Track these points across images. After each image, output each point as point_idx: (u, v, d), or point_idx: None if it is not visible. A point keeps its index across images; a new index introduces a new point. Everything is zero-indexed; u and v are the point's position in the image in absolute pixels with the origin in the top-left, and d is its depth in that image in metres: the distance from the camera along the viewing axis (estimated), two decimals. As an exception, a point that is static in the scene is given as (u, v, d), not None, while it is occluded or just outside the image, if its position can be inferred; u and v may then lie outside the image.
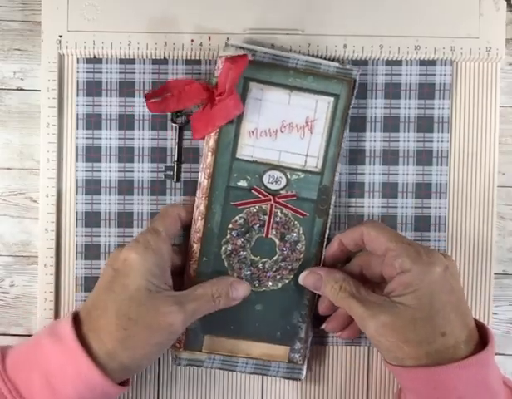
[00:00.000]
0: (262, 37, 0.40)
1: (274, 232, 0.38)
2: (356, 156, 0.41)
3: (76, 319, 0.34)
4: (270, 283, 0.38)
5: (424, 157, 0.41)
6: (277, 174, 0.38)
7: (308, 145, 0.38)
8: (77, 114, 0.41)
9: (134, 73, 0.41)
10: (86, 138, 0.41)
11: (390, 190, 0.41)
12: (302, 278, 0.38)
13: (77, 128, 0.41)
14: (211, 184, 0.37)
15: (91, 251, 0.41)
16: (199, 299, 0.35)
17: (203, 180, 0.37)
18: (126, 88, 0.41)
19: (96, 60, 0.41)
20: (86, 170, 0.41)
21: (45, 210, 0.41)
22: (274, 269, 0.38)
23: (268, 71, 0.37)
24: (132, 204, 0.41)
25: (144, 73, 0.41)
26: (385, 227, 0.36)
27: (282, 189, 0.38)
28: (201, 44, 0.40)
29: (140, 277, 0.33)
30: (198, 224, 0.37)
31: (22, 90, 0.42)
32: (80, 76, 0.41)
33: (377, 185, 0.41)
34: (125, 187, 0.41)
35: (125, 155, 0.41)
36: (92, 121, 0.41)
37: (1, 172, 0.42)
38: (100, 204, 0.41)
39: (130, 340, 0.32)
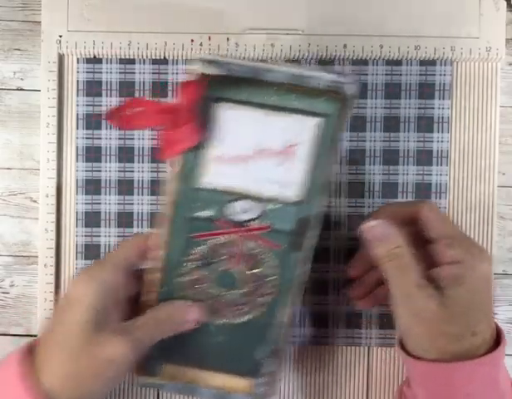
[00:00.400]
0: (262, 37, 0.40)
1: (242, 264, 0.35)
2: (356, 156, 0.41)
3: (31, 349, 0.32)
4: (234, 316, 0.36)
5: (424, 157, 0.41)
6: (247, 203, 0.34)
7: (287, 172, 0.33)
8: (77, 114, 0.41)
9: (134, 73, 0.41)
10: (86, 138, 0.41)
11: (390, 190, 0.41)
12: (368, 227, 0.34)
13: (77, 128, 0.41)
14: (172, 212, 0.34)
15: (91, 251, 0.41)
16: (147, 325, 0.33)
17: (164, 208, 0.34)
18: (126, 88, 0.41)
19: (96, 60, 0.41)
20: (86, 170, 0.41)
21: (45, 210, 0.41)
22: (239, 303, 0.35)
23: (243, 88, 0.32)
24: (132, 204, 0.41)
25: (144, 73, 0.41)
26: (443, 212, 0.35)
27: (253, 219, 0.34)
28: (201, 44, 0.40)
29: (84, 311, 0.32)
30: (157, 253, 0.35)
31: (22, 90, 0.42)
32: (80, 76, 0.41)
33: (377, 185, 0.41)
34: (125, 187, 0.41)
35: (125, 155, 0.41)
36: (92, 121, 0.41)
37: (1, 172, 0.42)
38: (100, 204, 0.41)
39: (75, 375, 0.31)
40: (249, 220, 0.34)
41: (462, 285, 0.31)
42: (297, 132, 0.32)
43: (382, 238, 0.33)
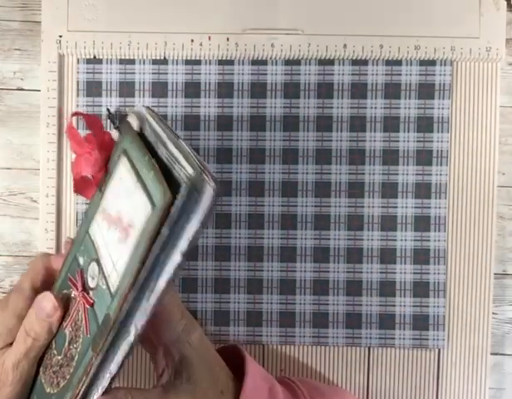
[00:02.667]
0: (262, 37, 0.40)
1: (70, 329, 0.30)
2: (356, 156, 0.41)
3: None
4: (47, 381, 0.31)
5: (424, 157, 0.41)
6: (96, 269, 0.29)
7: (121, 253, 0.26)
8: (77, 114, 0.41)
9: (134, 73, 0.41)
10: (86, 138, 0.41)
11: (390, 190, 0.41)
12: None
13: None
14: (72, 245, 0.32)
15: (91, 251, 0.41)
16: (16, 343, 0.31)
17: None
18: (126, 88, 0.41)
19: (96, 60, 0.41)
20: (86, 170, 0.41)
21: (45, 210, 0.41)
22: (55, 370, 0.30)
23: (138, 149, 0.27)
24: (132, 204, 0.41)
25: (144, 73, 0.41)
26: None
27: (93, 288, 0.29)
28: (201, 44, 0.40)
29: None
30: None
31: (22, 90, 0.42)
32: (80, 76, 0.41)
33: (377, 185, 0.41)
34: (125, 187, 0.41)
35: (125, 155, 0.41)
36: (92, 121, 0.41)
37: (1, 172, 0.42)
38: (100, 204, 0.41)
39: None
40: (93, 288, 0.29)
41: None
42: (136, 214, 0.26)
43: None
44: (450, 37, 0.40)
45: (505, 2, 0.41)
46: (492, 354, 0.42)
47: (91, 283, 0.29)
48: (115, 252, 0.27)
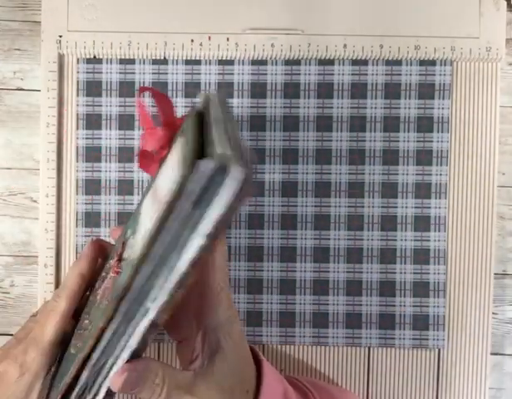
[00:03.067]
0: (262, 37, 0.40)
1: (99, 296, 0.29)
2: (356, 156, 0.41)
3: None
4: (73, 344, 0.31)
5: (424, 157, 0.41)
6: (132, 242, 0.27)
7: (148, 226, 0.25)
8: (77, 114, 0.41)
9: (134, 73, 0.41)
10: (86, 138, 0.41)
11: (390, 190, 0.41)
12: (112, 382, 0.28)
13: (77, 128, 0.41)
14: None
15: (91, 251, 0.41)
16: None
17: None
18: (126, 88, 0.41)
19: (96, 60, 0.41)
20: (86, 170, 0.41)
21: (45, 210, 0.41)
22: (80, 332, 0.30)
23: (192, 129, 0.26)
24: (132, 204, 0.41)
25: (144, 73, 0.41)
26: None
27: (125, 259, 0.28)
28: (201, 44, 0.40)
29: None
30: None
31: (22, 90, 0.42)
32: (80, 76, 0.41)
33: (377, 185, 0.41)
34: (125, 187, 0.41)
35: (125, 154, 0.41)
36: (92, 121, 0.41)
37: (1, 172, 0.42)
38: (100, 204, 0.41)
39: None
40: (125, 259, 0.28)
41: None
42: (167, 188, 0.24)
43: (137, 381, 0.29)
44: (450, 37, 0.40)
45: (505, 2, 0.41)
46: (492, 354, 0.42)
47: (126, 255, 0.28)
48: (147, 225, 0.26)
